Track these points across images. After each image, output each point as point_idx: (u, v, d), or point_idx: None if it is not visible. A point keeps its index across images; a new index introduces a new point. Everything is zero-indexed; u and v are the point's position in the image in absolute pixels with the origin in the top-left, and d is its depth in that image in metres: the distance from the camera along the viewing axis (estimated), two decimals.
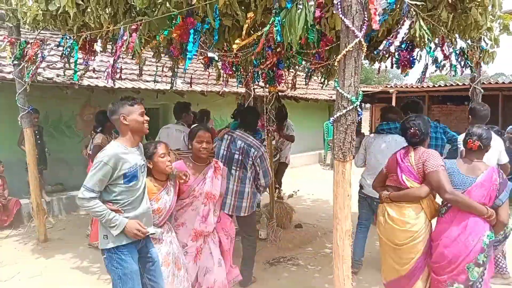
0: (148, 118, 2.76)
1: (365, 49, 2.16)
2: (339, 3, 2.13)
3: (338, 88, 2.19)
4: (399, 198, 3.13)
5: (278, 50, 4.06)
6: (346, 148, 2.19)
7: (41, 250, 4.99)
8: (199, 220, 3.25)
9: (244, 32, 2.90)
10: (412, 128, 3.14)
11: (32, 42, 4.68)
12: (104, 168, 2.54)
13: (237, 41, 2.97)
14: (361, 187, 4.42)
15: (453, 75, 4.30)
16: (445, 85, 13.23)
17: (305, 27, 2.28)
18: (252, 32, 4.54)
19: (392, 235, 3.12)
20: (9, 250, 5.01)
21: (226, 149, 3.88)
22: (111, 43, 4.65)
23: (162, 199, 2.99)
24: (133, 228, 2.62)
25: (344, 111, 2.15)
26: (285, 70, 5.80)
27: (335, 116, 2.19)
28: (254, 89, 6.38)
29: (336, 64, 2.20)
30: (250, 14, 2.80)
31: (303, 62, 5.37)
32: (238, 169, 3.82)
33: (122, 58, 5.80)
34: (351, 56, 2.13)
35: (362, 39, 2.11)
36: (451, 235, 2.95)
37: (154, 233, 2.87)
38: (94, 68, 5.61)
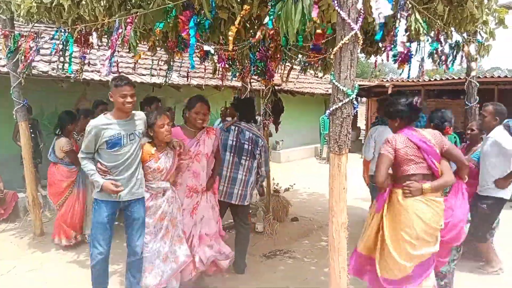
0: (130, 100, 3.22)
1: (361, 41, 2.15)
2: None
3: (334, 81, 2.19)
4: (439, 188, 3.02)
5: (273, 44, 4.06)
6: (342, 141, 2.20)
7: (37, 244, 4.98)
8: (191, 176, 3.62)
9: (236, 22, 2.89)
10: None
11: (26, 35, 4.64)
12: (88, 135, 3.18)
13: (232, 28, 2.97)
14: (371, 177, 4.68)
15: (444, 72, 4.35)
16: (441, 79, 13.25)
17: (302, 19, 2.27)
18: (248, 25, 4.55)
19: (433, 220, 2.97)
20: (5, 244, 5.00)
21: (235, 139, 3.99)
22: (106, 36, 4.63)
23: (162, 160, 3.41)
24: (107, 188, 3.14)
25: (339, 104, 2.15)
26: (280, 63, 5.80)
27: (330, 109, 2.19)
28: (250, 82, 6.37)
29: (332, 57, 2.20)
30: (246, 7, 2.79)
31: (299, 56, 5.36)
32: (247, 159, 3.99)
33: (118, 51, 5.77)
34: (347, 48, 2.13)
35: (358, 32, 2.10)
36: (455, 205, 3.33)
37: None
38: (89, 62, 5.60)
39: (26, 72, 4.77)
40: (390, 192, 3.09)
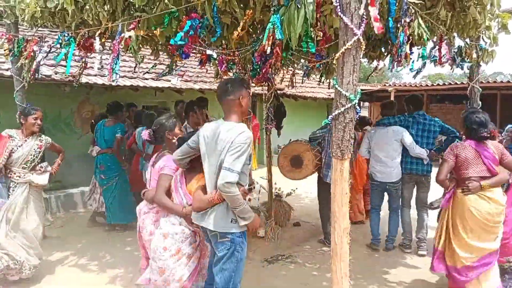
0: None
1: (364, 47, 2.15)
2: (337, 1, 2.12)
3: (336, 86, 2.19)
4: (493, 185, 3.52)
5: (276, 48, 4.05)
6: (345, 146, 2.19)
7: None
8: None
9: (240, 28, 2.90)
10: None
11: (30, 39, 4.66)
12: (248, 149, 2.55)
13: (236, 33, 2.99)
14: (371, 176, 5.16)
15: (452, 71, 4.37)
16: (444, 84, 13.25)
17: (305, 24, 2.27)
18: (250, 30, 4.56)
19: (488, 214, 3.49)
20: None
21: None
22: (110, 40, 4.64)
23: None
24: (257, 224, 2.65)
25: (342, 109, 2.14)
26: (283, 68, 5.80)
27: (333, 114, 2.19)
28: (252, 87, 6.38)
29: (335, 62, 2.20)
30: (249, 11, 2.79)
31: (301, 60, 5.37)
32: None
33: (121, 55, 5.78)
34: (349, 54, 2.12)
35: (360, 37, 2.10)
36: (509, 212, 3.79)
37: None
38: (91, 66, 5.62)
39: (32, 77, 4.75)
40: (453, 192, 3.69)
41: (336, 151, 2.20)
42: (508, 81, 11.66)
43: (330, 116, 2.20)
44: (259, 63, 4.07)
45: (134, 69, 6.28)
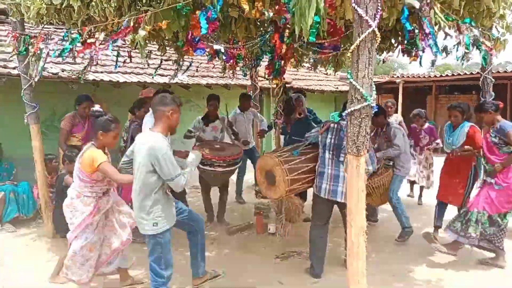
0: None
1: (379, 39, 2.08)
2: None
3: (351, 80, 2.13)
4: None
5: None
6: (360, 142, 2.13)
7: (49, 246, 4.97)
8: None
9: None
10: None
11: (36, 37, 4.63)
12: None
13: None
14: None
15: (463, 63, 4.29)
16: (453, 75, 13.06)
17: (317, 16, 2.20)
18: (258, 23, 4.49)
19: None
20: (21, 247, 5.01)
21: (334, 137, 3.94)
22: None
23: None
24: None
25: (358, 106, 2.08)
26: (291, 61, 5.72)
27: (349, 110, 2.12)
28: (259, 81, 6.33)
29: (349, 55, 2.13)
30: (258, 4, 2.73)
31: (310, 52, 5.29)
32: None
33: (129, 52, 5.75)
34: (364, 46, 2.06)
35: (376, 29, 2.04)
36: None
37: None
38: (97, 62, 5.59)
39: (38, 75, 4.72)
40: None
41: (352, 147, 2.15)
42: None
43: (345, 112, 2.14)
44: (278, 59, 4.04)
45: (147, 64, 6.24)
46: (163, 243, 3.10)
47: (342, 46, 4.11)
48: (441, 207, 5.10)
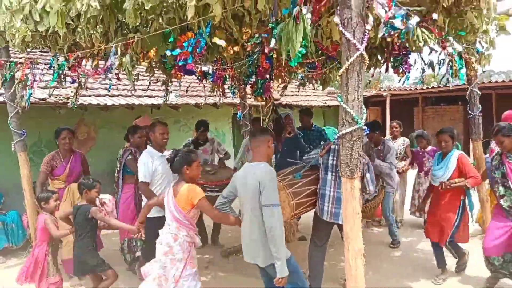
0: None
1: (367, 62, 2.09)
2: (339, 16, 2.07)
3: (342, 103, 2.13)
4: None
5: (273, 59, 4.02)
6: (354, 164, 2.12)
7: None
8: None
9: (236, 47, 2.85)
10: None
11: (22, 63, 4.58)
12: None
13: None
14: None
15: (446, 83, 4.31)
16: (438, 86, 13.24)
17: (304, 40, 2.21)
18: (245, 44, 4.52)
19: None
20: (10, 278, 4.85)
21: (336, 158, 3.82)
22: (103, 61, 4.58)
23: None
24: None
25: (349, 129, 2.08)
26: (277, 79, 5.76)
27: (340, 133, 2.12)
28: (247, 99, 6.34)
29: (338, 78, 2.14)
30: (246, 30, 2.74)
31: (297, 71, 5.33)
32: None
33: (116, 74, 5.72)
34: (353, 69, 2.07)
35: (363, 52, 2.05)
36: None
37: None
38: (86, 86, 5.54)
39: (25, 102, 4.66)
40: None
41: (345, 170, 2.13)
42: (503, 81, 11.66)
43: (336, 135, 2.14)
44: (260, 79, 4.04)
45: (133, 88, 6.14)
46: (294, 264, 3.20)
47: (337, 58, 4.14)
48: (436, 246, 4.49)
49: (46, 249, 3.90)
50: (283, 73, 4.62)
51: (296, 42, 2.29)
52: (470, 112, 5.21)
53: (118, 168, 5.02)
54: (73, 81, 5.03)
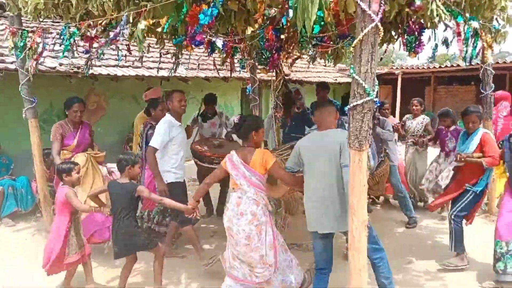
0: None
1: (382, 33, 2.07)
2: None
3: (354, 74, 2.12)
4: None
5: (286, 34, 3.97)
6: (363, 136, 2.13)
7: None
8: None
9: (256, 25, 2.81)
10: None
11: (34, 31, 4.59)
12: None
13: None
14: None
15: (464, 60, 4.22)
16: (452, 66, 13.04)
17: (320, 11, 2.18)
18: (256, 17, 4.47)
19: None
20: (19, 241, 5.02)
21: None
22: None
23: None
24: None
25: (360, 100, 2.07)
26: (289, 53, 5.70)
27: (351, 105, 2.12)
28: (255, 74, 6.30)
29: (351, 49, 2.12)
30: (260, 3, 2.70)
31: (309, 46, 5.27)
32: None
33: (127, 45, 5.71)
34: (367, 41, 2.05)
35: (378, 23, 2.02)
36: None
37: None
38: (97, 56, 5.54)
39: (34, 69, 4.69)
40: None
41: (354, 142, 2.14)
42: None
43: (347, 107, 2.14)
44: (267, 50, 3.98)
45: (140, 60, 6.17)
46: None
47: (350, 34, 4.08)
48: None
49: (67, 225, 3.61)
50: (294, 47, 4.56)
51: (312, 13, 2.26)
52: (482, 91, 5.14)
53: (141, 144, 4.87)
54: (86, 52, 5.01)
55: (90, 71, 6.62)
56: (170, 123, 4.16)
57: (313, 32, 2.29)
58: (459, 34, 3.54)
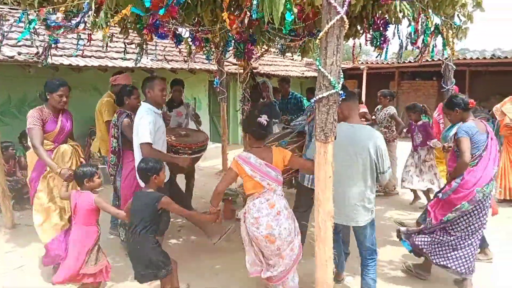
0: None
1: (347, 26, 2.08)
2: None
3: (319, 67, 2.12)
4: None
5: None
6: (328, 129, 2.14)
7: (9, 237, 4.78)
8: None
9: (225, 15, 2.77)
10: None
11: None
12: None
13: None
14: None
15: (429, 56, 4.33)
16: (415, 61, 13.36)
17: (287, 3, 2.17)
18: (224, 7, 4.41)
19: None
20: None
21: None
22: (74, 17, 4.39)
23: None
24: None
25: (326, 93, 2.08)
26: (257, 46, 5.68)
27: (317, 97, 2.12)
28: (225, 66, 6.26)
29: (317, 42, 2.12)
30: None
31: (277, 38, 5.26)
32: None
33: (89, 35, 5.52)
34: (333, 33, 2.05)
35: (344, 16, 2.03)
36: None
37: None
38: (57, 46, 5.34)
39: None
40: None
41: (319, 134, 2.15)
42: (477, 58, 11.89)
43: (313, 99, 2.14)
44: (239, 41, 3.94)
45: (105, 48, 5.97)
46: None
47: (316, 30, 4.09)
48: None
49: (96, 235, 3.23)
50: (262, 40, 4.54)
51: (279, 5, 2.23)
52: (444, 85, 5.29)
53: (115, 135, 4.30)
54: (56, 41, 4.78)
55: (51, 61, 6.39)
56: (152, 110, 3.80)
57: (287, 23, 2.25)
58: (417, 30, 3.62)
